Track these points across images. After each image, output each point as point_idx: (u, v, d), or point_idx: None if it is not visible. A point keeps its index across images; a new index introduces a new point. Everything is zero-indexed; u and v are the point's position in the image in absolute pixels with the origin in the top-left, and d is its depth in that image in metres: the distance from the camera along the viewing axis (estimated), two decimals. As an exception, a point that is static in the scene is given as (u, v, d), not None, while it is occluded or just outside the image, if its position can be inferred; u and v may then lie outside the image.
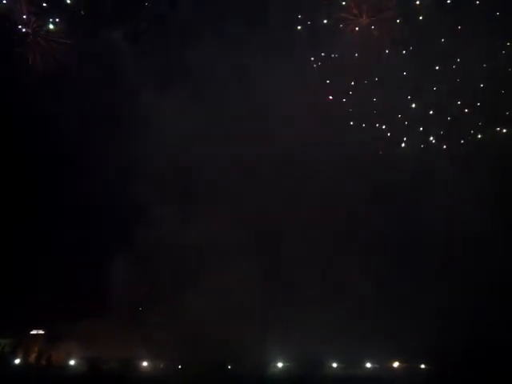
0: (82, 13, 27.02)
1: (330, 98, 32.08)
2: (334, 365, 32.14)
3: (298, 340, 31.31)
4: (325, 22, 29.79)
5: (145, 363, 31.91)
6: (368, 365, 32.23)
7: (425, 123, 31.56)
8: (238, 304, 31.86)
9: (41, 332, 32.99)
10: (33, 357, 31.83)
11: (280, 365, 32.10)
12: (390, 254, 33.06)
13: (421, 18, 28.62)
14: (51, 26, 27.71)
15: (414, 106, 31.17)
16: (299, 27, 30.24)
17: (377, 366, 32.28)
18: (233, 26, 32.13)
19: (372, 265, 32.86)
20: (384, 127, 32.30)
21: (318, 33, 30.37)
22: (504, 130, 30.26)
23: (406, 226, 33.80)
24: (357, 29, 29.29)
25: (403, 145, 31.96)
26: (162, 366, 32.17)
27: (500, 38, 28.79)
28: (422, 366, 32.40)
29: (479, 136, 30.77)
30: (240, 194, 34.41)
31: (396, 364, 32.41)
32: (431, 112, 31.20)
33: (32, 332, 33.00)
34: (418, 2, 28.21)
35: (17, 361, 31.61)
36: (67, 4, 26.43)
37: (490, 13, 27.88)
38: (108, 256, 33.65)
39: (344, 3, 29.00)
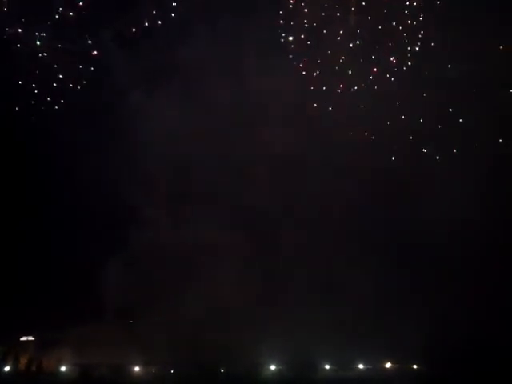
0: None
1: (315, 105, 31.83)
2: (327, 366, 32.15)
3: (291, 342, 31.33)
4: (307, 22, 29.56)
5: (137, 368, 31.65)
6: (360, 366, 32.31)
7: (415, 133, 31.42)
8: (231, 307, 31.86)
9: (31, 339, 32.60)
10: (23, 364, 31.42)
11: (273, 367, 32.03)
12: (385, 257, 33.18)
13: (410, 21, 28.64)
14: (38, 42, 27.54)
15: (403, 116, 30.94)
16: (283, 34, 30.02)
17: (369, 367, 32.37)
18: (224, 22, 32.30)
19: (366, 267, 32.96)
20: (373, 137, 32.26)
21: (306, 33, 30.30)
22: (500, 140, 30.18)
23: (402, 226, 33.90)
24: (342, 32, 29.20)
25: (393, 157, 31.81)
26: (154, 370, 31.96)
27: (493, 40, 28.79)
28: (414, 367, 32.53)
29: (474, 146, 30.73)
30: (235, 194, 34.43)
31: (388, 365, 32.51)
32: (421, 120, 31.11)
33: (22, 339, 32.60)
34: (407, 3, 28.16)
35: (7, 368, 31.18)
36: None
37: (481, 15, 27.92)
38: (99, 261, 33.49)
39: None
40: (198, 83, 34.25)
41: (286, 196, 35.03)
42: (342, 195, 34.13)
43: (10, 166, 32.74)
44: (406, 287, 32.32)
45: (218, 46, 33.16)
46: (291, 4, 29.64)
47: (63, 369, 31.36)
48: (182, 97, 33.94)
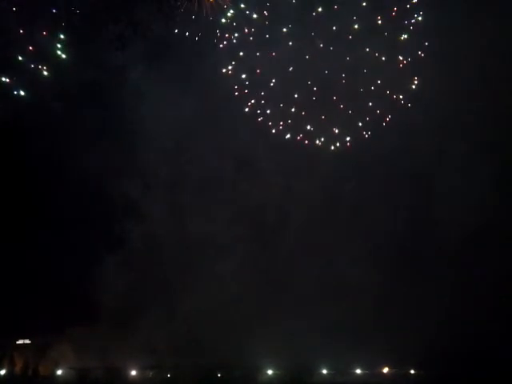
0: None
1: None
2: (324, 371, 32.09)
3: (289, 347, 31.23)
4: None
5: (133, 372, 31.56)
6: (358, 371, 32.25)
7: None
8: (229, 310, 31.79)
9: (27, 342, 32.41)
10: (19, 367, 31.27)
11: (270, 372, 31.97)
12: (384, 261, 33.01)
13: None
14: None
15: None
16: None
17: (367, 371, 32.32)
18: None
19: (364, 271, 32.86)
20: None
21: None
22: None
23: (403, 231, 33.62)
24: None
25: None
26: (150, 374, 31.87)
27: None
28: (412, 372, 32.49)
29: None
30: (237, 188, 34.10)
31: (386, 369, 32.45)
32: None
33: (18, 342, 32.41)
34: None
35: (2, 371, 31.02)
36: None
37: None
38: (95, 262, 33.26)
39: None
40: (199, 69, 33.44)
41: (289, 192, 34.64)
42: (346, 193, 33.86)
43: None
44: (404, 291, 32.21)
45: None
46: None
47: (59, 372, 31.25)
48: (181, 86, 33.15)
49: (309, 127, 30.56)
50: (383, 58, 29.27)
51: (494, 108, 31.71)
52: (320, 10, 28.75)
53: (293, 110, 30.32)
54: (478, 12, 30.38)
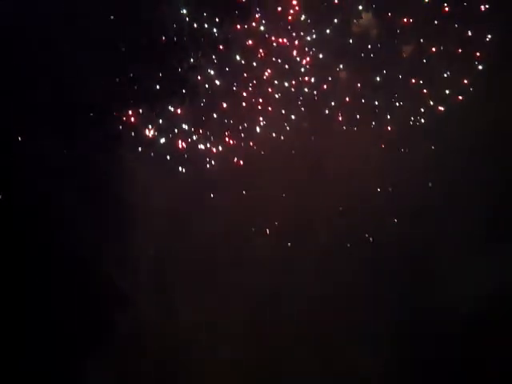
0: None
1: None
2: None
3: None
4: None
5: None
6: None
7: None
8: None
9: None
10: None
11: None
12: (387, 346, 31.90)
13: None
14: None
15: None
16: None
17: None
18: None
19: (366, 358, 31.72)
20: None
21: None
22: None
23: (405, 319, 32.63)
24: None
25: None
26: None
27: None
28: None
29: None
30: (228, 276, 32.93)
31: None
32: None
33: None
34: None
35: None
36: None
37: None
38: (79, 356, 31.48)
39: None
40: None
41: (287, 280, 33.69)
42: (344, 279, 32.99)
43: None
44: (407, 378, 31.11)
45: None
46: None
47: None
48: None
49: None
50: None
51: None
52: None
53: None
54: None
